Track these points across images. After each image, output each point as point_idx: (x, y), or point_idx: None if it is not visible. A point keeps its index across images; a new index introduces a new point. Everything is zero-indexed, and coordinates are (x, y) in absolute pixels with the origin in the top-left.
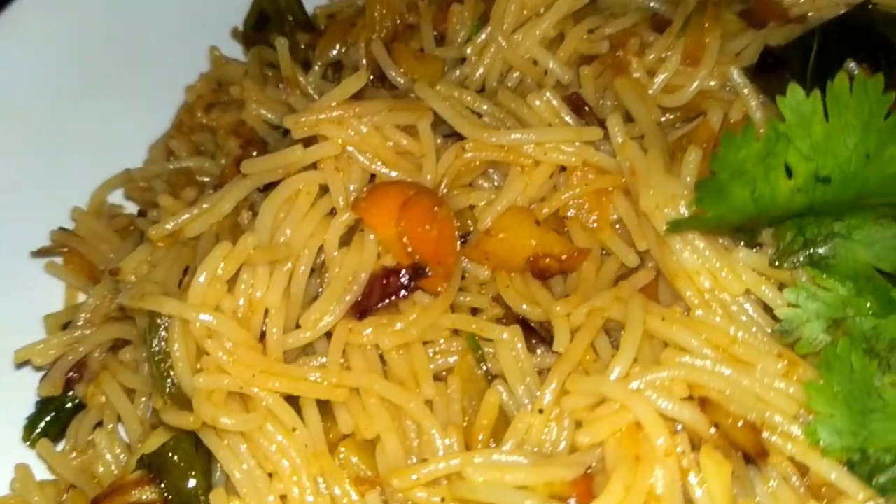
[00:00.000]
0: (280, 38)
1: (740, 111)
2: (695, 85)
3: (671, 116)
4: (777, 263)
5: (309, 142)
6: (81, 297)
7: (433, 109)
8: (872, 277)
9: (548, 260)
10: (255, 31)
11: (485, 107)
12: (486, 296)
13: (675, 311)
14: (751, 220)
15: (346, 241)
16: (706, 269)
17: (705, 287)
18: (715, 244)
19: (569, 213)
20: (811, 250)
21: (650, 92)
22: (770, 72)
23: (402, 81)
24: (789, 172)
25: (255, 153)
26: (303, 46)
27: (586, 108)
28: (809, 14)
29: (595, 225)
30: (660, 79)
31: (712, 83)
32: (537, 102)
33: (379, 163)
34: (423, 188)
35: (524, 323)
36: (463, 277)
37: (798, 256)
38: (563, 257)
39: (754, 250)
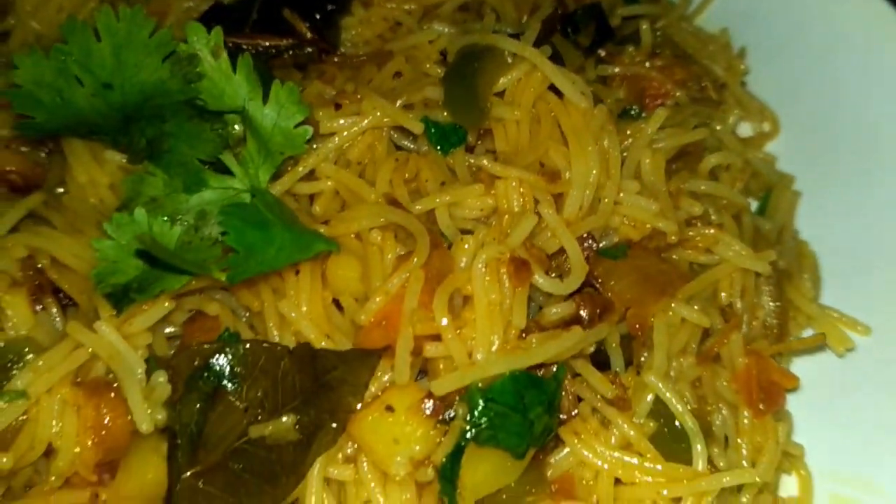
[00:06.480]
0: None
1: None
2: None
3: None
4: (132, 161)
5: None
6: None
7: None
8: (192, 164)
9: None
10: None
11: None
12: None
13: None
14: (87, 120)
15: None
16: (84, 169)
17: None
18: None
19: None
20: (156, 147)
21: None
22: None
23: None
24: (82, 82)
25: None
26: None
27: None
28: None
29: None
30: None
31: None
32: None
33: None
34: None
35: None
36: None
37: (145, 153)
38: None
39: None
